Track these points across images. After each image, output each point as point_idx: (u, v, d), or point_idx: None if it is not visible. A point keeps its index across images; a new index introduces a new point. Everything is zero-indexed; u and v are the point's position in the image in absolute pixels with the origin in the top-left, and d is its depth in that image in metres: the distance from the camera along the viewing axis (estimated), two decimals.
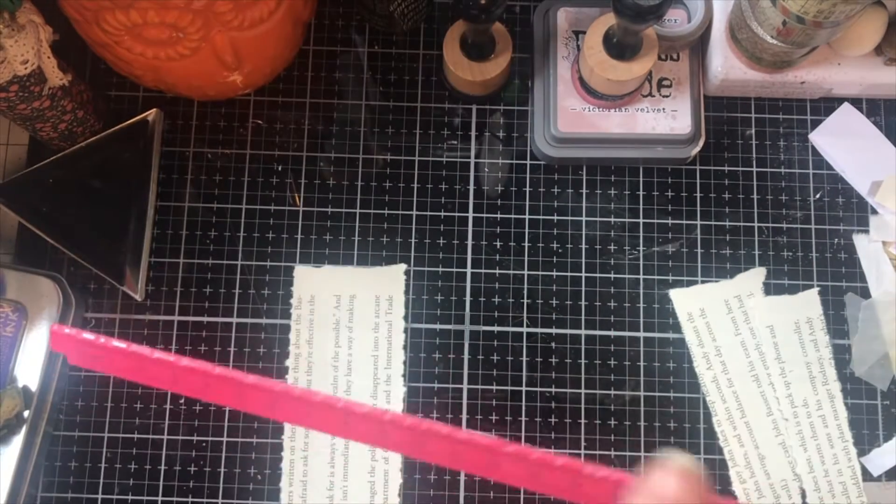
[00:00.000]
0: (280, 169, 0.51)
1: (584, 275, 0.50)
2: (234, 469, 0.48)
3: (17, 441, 0.45)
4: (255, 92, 0.52)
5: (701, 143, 0.50)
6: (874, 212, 0.50)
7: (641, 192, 0.51)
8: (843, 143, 0.51)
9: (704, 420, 0.48)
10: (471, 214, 0.51)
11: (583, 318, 0.49)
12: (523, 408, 0.48)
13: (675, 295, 0.49)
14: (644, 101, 0.49)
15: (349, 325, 0.49)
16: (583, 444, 0.48)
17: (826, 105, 0.52)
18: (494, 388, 0.48)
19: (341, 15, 0.53)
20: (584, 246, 0.50)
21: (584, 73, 0.47)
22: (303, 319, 0.49)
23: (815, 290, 0.50)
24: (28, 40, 0.41)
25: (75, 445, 0.48)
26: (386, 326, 0.49)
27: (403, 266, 0.50)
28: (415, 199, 0.51)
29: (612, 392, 0.48)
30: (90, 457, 0.48)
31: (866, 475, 0.47)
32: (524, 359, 0.49)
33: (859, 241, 0.50)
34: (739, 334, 0.49)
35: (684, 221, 0.51)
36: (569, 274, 0.50)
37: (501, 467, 0.29)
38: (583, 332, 0.49)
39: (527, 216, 0.51)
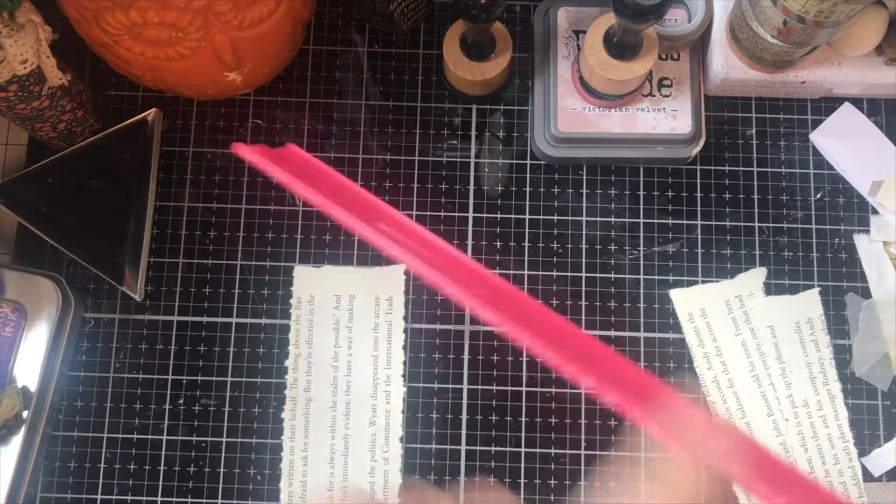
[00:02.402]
0: None
1: (584, 275, 0.50)
2: (234, 469, 0.48)
3: (17, 441, 0.45)
4: (255, 92, 0.52)
5: (701, 142, 0.50)
6: (875, 212, 0.50)
7: (641, 192, 0.51)
8: (844, 142, 0.51)
9: None
10: (471, 214, 0.50)
11: (583, 318, 0.49)
12: (523, 408, 0.48)
13: (675, 295, 0.49)
14: (644, 100, 0.49)
15: (349, 325, 0.49)
16: (583, 444, 0.48)
17: (826, 105, 0.52)
18: (494, 388, 0.48)
19: (341, 15, 0.53)
20: (584, 246, 0.50)
21: (584, 72, 0.47)
22: (302, 319, 0.49)
23: (816, 290, 0.49)
24: (27, 40, 0.41)
25: (75, 445, 0.48)
26: (386, 326, 0.49)
27: (403, 266, 0.50)
28: (415, 199, 0.51)
29: None
30: (90, 457, 0.48)
31: (867, 475, 0.47)
32: (524, 359, 0.49)
33: (860, 241, 0.50)
34: (740, 334, 0.49)
35: (684, 221, 0.51)
36: (569, 274, 0.50)
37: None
38: (583, 332, 0.49)
39: (527, 216, 0.51)
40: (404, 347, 0.49)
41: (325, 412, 0.48)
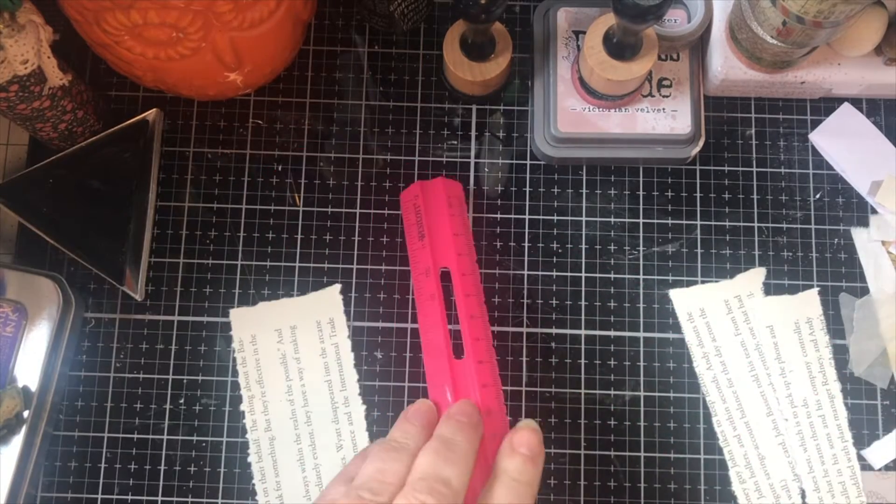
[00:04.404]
0: (280, 169, 0.51)
1: (584, 275, 0.50)
2: (234, 469, 0.48)
3: (17, 441, 0.45)
4: (255, 92, 0.52)
5: (701, 143, 0.50)
6: (874, 211, 0.50)
7: (641, 192, 0.51)
8: (843, 143, 0.51)
9: (704, 420, 0.48)
10: (471, 214, 0.50)
11: (583, 318, 0.49)
12: (523, 408, 0.48)
13: (675, 295, 0.49)
14: (644, 101, 0.49)
15: (296, 356, 0.48)
16: (583, 444, 0.48)
17: (826, 105, 0.52)
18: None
19: (341, 15, 0.53)
20: (584, 246, 0.50)
21: (584, 73, 0.47)
22: (248, 361, 0.48)
23: (815, 290, 0.50)
24: (28, 40, 0.41)
25: (75, 445, 0.48)
26: (333, 350, 0.48)
27: (338, 286, 0.49)
28: None
29: (612, 392, 0.48)
30: (90, 457, 0.48)
31: (866, 467, 0.47)
32: (524, 359, 0.49)
33: (858, 235, 0.50)
34: (739, 334, 0.49)
35: (684, 221, 0.51)
36: (569, 274, 0.50)
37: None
38: (583, 332, 0.49)
39: (527, 216, 0.51)
40: (355, 367, 0.48)
41: (290, 447, 0.47)
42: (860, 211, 0.51)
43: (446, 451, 0.35)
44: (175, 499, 0.47)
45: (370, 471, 0.35)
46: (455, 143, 0.52)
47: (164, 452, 0.48)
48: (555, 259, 0.50)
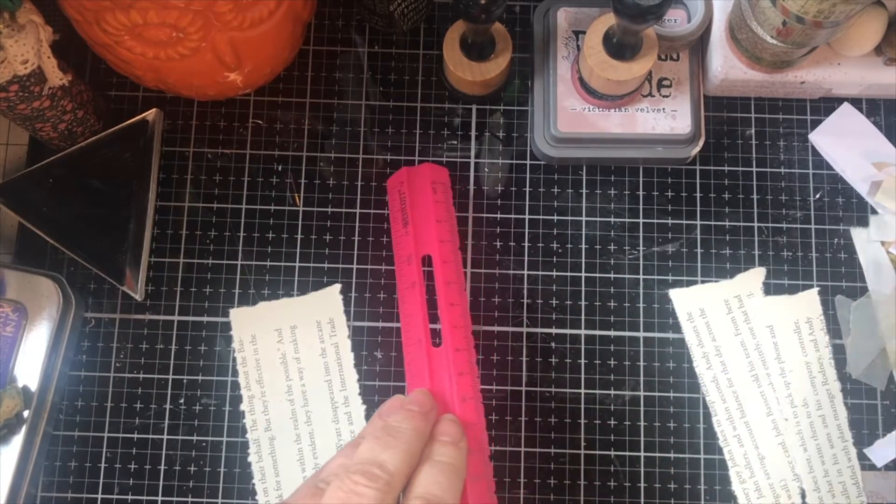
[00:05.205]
0: (280, 169, 0.51)
1: (584, 275, 0.50)
2: (234, 469, 0.48)
3: (17, 441, 0.45)
4: (255, 92, 0.52)
5: (701, 143, 0.50)
6: (874, 211, 0.51)
7: (641, 192, 0.51)
8: (843, 142, 0.51)
9: (704, 420, 0.48)
10: (471, 214, 0.51)
11: (583, 318, 0.49)
12: (523, 408, 0.48)
13: (675, 295, 0.50)
14: (644, 101, 0.49)
15: (296, 356, 0.48)
16: (583, 444, 0.48)
17: (826, 105, 0.52)
18: (494, 388, 0.48)
19: (341, 15, 0.53)
20: (584, 246, 0.50)
21: (584, 73, 0.47)
22: (248, 361, 0.48)
23: (815, 290, 0.50)
24: (28, 40, 0.41)
25: (75, 445, 0.48)
26: (333, 350, 0.48)
27: (338, 286, 0.49)
28: None
29: (612, 392, 0.48)
30: (90, 457, 0.48)
31: (865, 466, 0.47)
32: (524, 359, 0.49)
33: (858, 235, 0.50)
34: (739, 334, 0.49)
35: (684, 221, 0.51)
36: (569, 274, 0.50)
37: None
38: (583, 332, 0.49)
39: (527, 216, 0.51)
40: (355, 366, 0.48)
41: (290, 447, 0.47)
42: (860, 211, 0.51)
43: (387, 436, 0.37)
44: (175, 499, 0.47)
45: (333, 466, 0.37)
46: (455, 143, 0.52)
47: (164, 452, 0.48)
48: (555, 259, 0.50)
